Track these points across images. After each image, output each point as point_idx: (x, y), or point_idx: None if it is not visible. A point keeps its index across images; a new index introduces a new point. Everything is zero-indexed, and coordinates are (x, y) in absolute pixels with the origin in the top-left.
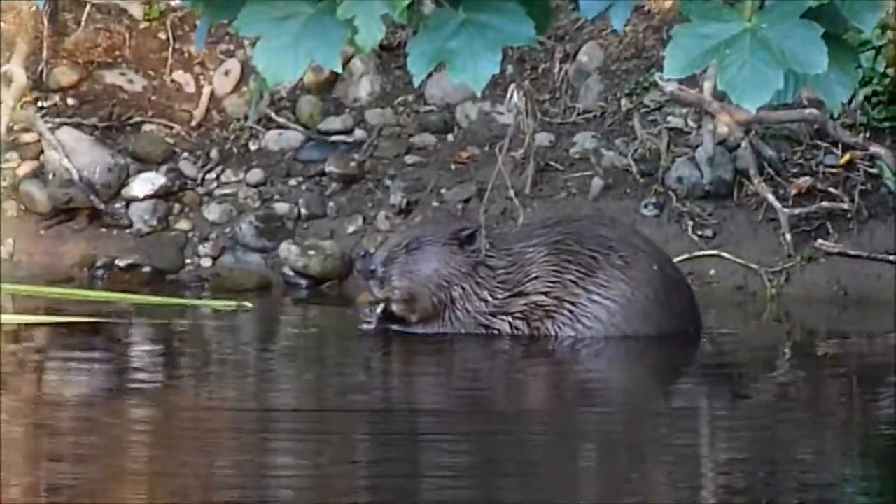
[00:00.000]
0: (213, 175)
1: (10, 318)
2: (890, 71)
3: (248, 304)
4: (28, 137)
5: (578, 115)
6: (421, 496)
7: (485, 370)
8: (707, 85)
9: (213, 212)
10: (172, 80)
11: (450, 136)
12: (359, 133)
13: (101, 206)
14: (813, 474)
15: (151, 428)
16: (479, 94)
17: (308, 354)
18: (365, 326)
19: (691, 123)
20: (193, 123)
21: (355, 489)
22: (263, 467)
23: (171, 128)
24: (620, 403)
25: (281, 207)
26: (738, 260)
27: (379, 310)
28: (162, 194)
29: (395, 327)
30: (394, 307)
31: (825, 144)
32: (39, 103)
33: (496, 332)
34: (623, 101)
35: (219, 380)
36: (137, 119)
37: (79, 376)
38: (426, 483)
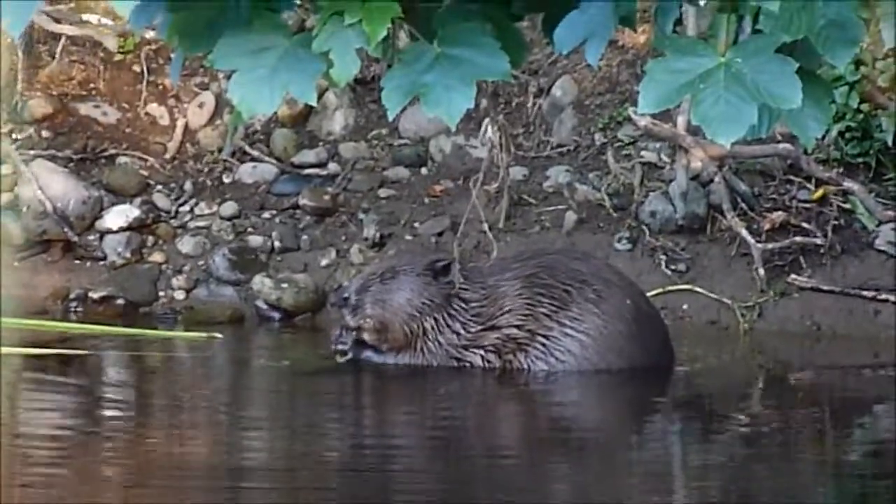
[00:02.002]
0: (186, 207)
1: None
2: (863, 107)
3: (219, 336)
4: (2, 170)
5: (552, 149)
6: None
7: (457, 406)
8: (681, 119)
9: (186, 244)
10: (147, 113)
11: (423, 170)
12: (332, 166)
13: (75, 239)
14: None
15: (119, 473)
16: (453, 128)
17: (280, 389)
18: (340, 347)
19: (665, 158)
20: (167, 156)
21: None
22: None
23: (145, 160)
24: (593, 441)
25: (254, 240)
26: (712, 294)
27: (351, 338)
28: (136, 227)
29: (366, 354)
30: (366, 336)
31: (798, 179)
32: (14, 135)
33: (468, 364)
34: (597, 136)
35: (189, 418)
36: (111, 151)
37: (48, 413)
38: None
